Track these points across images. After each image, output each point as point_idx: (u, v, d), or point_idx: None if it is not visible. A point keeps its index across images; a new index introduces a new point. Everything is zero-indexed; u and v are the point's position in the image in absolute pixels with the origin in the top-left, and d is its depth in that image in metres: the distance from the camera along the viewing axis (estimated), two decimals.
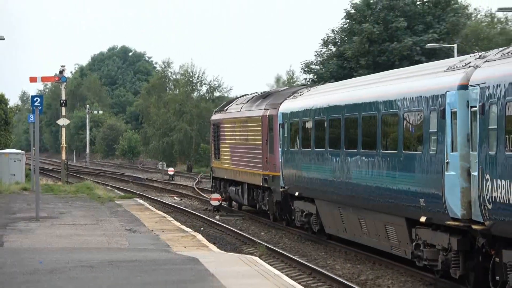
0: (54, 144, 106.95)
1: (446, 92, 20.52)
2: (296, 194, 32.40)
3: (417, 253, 22.94)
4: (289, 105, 33.85)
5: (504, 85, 19.76)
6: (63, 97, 64.82)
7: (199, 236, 35.12)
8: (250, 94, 48.42)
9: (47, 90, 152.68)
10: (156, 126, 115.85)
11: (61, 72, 57.85)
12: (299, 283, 24.61)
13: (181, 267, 25.09)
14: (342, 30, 74.26)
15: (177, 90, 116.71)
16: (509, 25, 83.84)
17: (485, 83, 19.89)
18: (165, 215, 45.65)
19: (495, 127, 18.44)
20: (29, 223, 38.63)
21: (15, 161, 61.34)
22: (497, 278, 19.77)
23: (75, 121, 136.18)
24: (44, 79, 55.81)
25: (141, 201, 54.99)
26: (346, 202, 28.43)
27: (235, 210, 52.27)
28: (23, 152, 65.32)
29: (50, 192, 57.64)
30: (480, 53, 23.08)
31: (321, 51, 76.84)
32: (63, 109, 66.40)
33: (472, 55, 23.62)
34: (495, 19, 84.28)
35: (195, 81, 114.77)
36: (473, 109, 19.76)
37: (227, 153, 45.61)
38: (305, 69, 79.14)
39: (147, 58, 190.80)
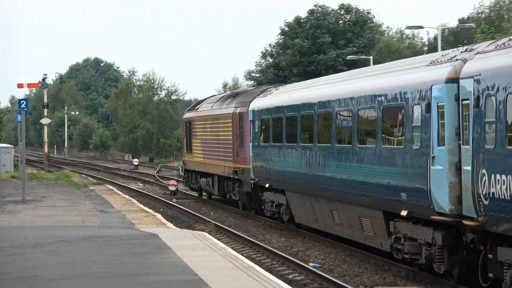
0: (38, 139, 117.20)
1: (431, 86, 19.57)
2: (266, 185, 31.76)
3: (396, 246, 22.14)
4: (259, 103, 33.33)
5: (505, 76, 18.08)
6: (45, 101, 70.97)
7: (158, 216, 37.71)
8: (220, 94, 50.38)
9: (32, 95, 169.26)
10: (123, 124, 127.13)
11: (43, 79, 68.59)
12: (242, 254, 26.17)
13: (143, 241, 26.81)
14: (278, 44, 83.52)
15: (141, 94, 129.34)
16: (415, 40, 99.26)
17: (480, 75, 18.36)
18: (130, 198, 49.10)
19: (493, 120, 17.05)
20: (16, 205, 41.15)
21: (5, 153, 66.07)
22: (490, 275, 18.69)
23: (55, 120, 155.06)
24: (29, 85, 62.61)
25: (110, 187, 59.59)
26: (319, 194, 27.47)
27: (189, 194, 55.57)
28: (12, 146, 72.43)
29: (34, 180, 61.19)
30: (466, 47, 22.01)
31: (260, 61, 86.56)
32: (45, 110, 71.91)
33: (456, 49, 22.48)
34: (404, 35, 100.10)
35: (155, 86, 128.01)
36: (465, 102, 18.79)
37: (199, 148, 45.66)
38: (247, 76, 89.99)
39: (115, 68, 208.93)
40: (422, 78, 20.34)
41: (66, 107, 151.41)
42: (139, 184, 67.77)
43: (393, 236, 21.27)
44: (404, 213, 20.69)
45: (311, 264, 27.53)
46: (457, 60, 19.89)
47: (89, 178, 73.35)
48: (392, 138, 22.14)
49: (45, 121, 70.96)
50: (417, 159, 20.05)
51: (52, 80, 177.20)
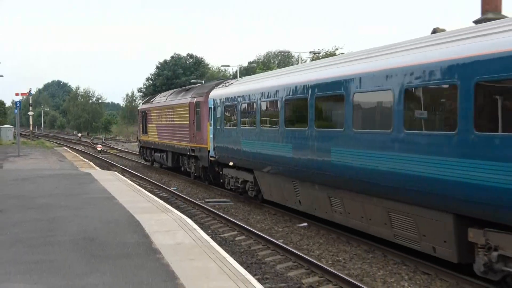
0: (26, 123, 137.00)
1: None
2: (231, 164, 26.78)
3: (482, 260, 12.86)
4: (221, 92, 28.68)
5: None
6: (30, 102, 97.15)
7: (91, 163, 44.04)
8: (170, 90, 47.91)
9: (22, 98, 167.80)
10: (72, 115, 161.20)
11: (29, 91, 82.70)
12: (135, 182, 31.69)
13: (82, 176, 31.50)
14: (155, 74, 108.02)
15: (82, 99, 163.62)
16: (227, 72, 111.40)
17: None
18: (76, 154, 57.24)
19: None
20: (14, 158, 48.16)
21: (9, 130, 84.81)
22: None
23: (36, 113, 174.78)
24: (22, 94, 69.55)
25: (66, 148, 69.65)
26: (305, 178, 20.12)
27: (110, 153, 64.49)
28: (13, 126, 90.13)
29: (24, 145, 69.23)
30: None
31: (146, 83, 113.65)
32: (30, 107, 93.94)
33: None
34: (221, 69, 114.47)
35: (90, 95, 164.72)
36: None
37: (154, 130, 43.78)
38: (138, 90, 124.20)
39: (66, 83, 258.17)
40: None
41: (42, 106, 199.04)
42: (81, 146, 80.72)
43: (480, 250, 12.55)
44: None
45: (172, 188, 31.96)
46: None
47: (54, 143, 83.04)
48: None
49: (30, 113, 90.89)
50: None
51: (34, 91, 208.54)
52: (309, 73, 19.92)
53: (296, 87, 20.38)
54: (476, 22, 38.82)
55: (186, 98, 35.43)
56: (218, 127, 28.26)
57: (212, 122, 29.49)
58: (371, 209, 16.63)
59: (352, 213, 17.74)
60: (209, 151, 30.46)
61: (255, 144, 23.86)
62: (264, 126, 23.10)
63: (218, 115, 28.31)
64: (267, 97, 22.89)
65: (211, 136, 29.53)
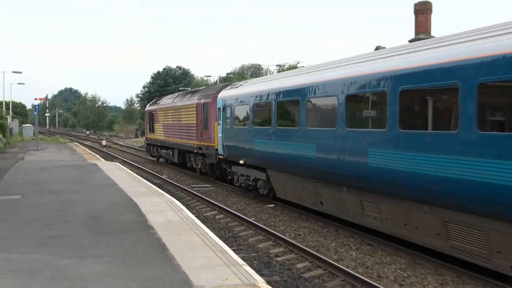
0: (43, 122, 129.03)
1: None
2: (241, 162, 22.69)
3: None
4: (231, 93, 24.26)
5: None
6: (47, 105, 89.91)
7: (97, 156, 42.81)
8: (175, 93, 43.45)
9: (40, 102, 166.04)
10: (82, 116, 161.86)
11: (46, 96, 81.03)
12: (133, 171, 31.12)
13: (90, 166, 31.01)
14: (150, 82, 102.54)
15: (90, 103, 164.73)
16: (209, 80, 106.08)
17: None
18: (85, 148, 56.40)
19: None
20: (33, 151, 46.71)
21: (30, 128, 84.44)
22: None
23: (52, 114, 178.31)
24: (40, 99, 69.27)
25: (77, 143, 68.15)
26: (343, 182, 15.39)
27: (113, 147, 63.35)
28: (32, 125, 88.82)
29: (42, 140, 67.32)
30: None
31: (143, 90, 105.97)
32: (47, 109, 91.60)
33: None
34: (204, 79, 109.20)
35: (96, 100, 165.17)
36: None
37: (160, 129, 39.61)
38: (136, 96, 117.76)
39: (77, 90, 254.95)
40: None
41: (57, 109, 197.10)
42: (89, 142, 78.98)
43: None
44: None
45: (164, 175, 31.42)
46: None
47: (67, 139, 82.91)
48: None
49: (47, 114, 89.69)
50: None
51: (50, 97, 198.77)
52: (340, 70, 15.37)
53: (324, 85, 15.91)
54: (411, 41, 39.19)
55: (193, 100, 31.78)
56: (228, 126, 24.33)
57: (221, 121, 25.56)
58: (419, 217, 12.64)
59: (391, 219, 13.66)
60: (216, 149, 26.75)
61: (269, 143, 19.69)
62: (281, 126, 18.89)
63: (228, 115, 24.39)
64: (285, 97, 18.60)
65: (220, 135, 25.65)
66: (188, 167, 35.10)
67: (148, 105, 45.79)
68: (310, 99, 17.04)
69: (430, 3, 44.10)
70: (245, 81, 25.74)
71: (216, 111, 27.14)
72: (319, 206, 17.44)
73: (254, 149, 21.30)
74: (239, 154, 23.27)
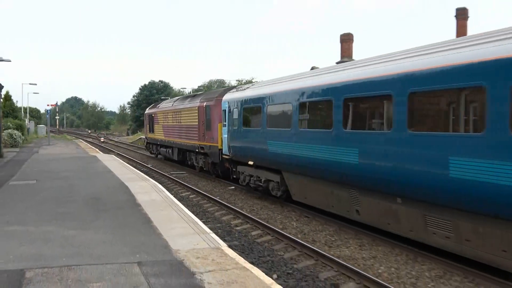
0: (54, 123, 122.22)
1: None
2: (250, 163, 17.84)
3: None
4: (239, 95, 19.28)
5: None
6: (57, 110, 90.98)
7: (97, 149, 41.70)
8: (173, 98, 39.76)
9: (51, 107, 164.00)
10: (85, 119, 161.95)
11: (56, 103, 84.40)
12: (125, 162, 30.19)
13: (91, 158, 30.13)
14: (139, 93, 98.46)
15: (91, 109, 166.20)
16: (185, 91, 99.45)
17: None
18: (87, 143, 54.40)
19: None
20: (46, 146, 45.73)
21: (43, 128, 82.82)
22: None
23: (61, 117, 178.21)
24: (52, 105, 70.40)
25: (81, 140, 64.91)
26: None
27: (109, 143, 61.66)
28: (45, 126, 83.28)
29: (52, 138, 63.98)
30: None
31: (132, 99, 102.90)
32: (57, 113, 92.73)
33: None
34: (180, 91, 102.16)
35: (96, 106, 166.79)
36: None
37: (160, 130, 34.75)
38: (127, 104, 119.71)
39: (80, 98, 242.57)
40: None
41: (64, 113, 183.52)
42: (91, 139, 75.31)
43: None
44: None
45: (150, 165, 30.61)
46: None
47: (73, 137, 79.72)
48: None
49: (57, 117, 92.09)
50: None
51: (60, 103, 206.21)
52: (390, 65, 10.63)
53: (372, 82, 10.95)
54: (337, 63, 39.85)
55: (194, 103, 27.19)
56: (235, 128, 19.38)
57: (226, 123, 20.81)
58: None
59: (476, 241, 8.88)
60: (220, 149, 22.31)
61: (288, 145, 14.72)
62: (304, 128, 13.93)
63: (235, 116, 19.47)
64: (310, 97, 13.53)
65: (225, 136, 20.95)
66: (188, 165, 29.98)
67: (147, 109, 41.64)
68: (350, 99, 11.85)
69: (352, 35, 45.17)
70: (251, 83, 20.98)
71: (219, 113, 22.96)
72: (353, 214, 12.43)
73: (268, 150, 16.19)
74: (248, 155, 18.28)
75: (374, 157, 10.89)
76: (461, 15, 44.78)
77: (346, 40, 44.98)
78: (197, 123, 26.35)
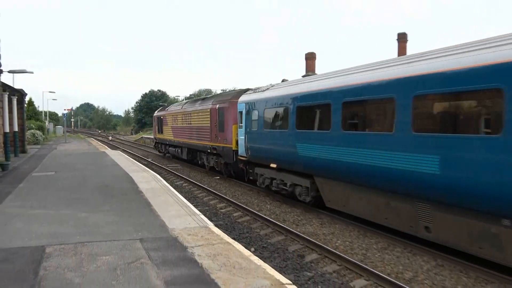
0: (70, 125, 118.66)
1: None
2: (273, 165, 14.26)
3: None
4: (258, 96, 15.38)
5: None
6: (72, 113, 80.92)
7: (106, 146, 39.80)
8: (182, 101, 36.32)
9: (67, 111, 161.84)
10: (96, 121, 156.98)
11: (71, 108, 78.00)
12: (129, 156, 29.36)
13: (101, 153, 28.91)
14: (141, 99, 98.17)
15: (101, 113, 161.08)
16: (180, 98, 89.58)
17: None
18: (97, 141, 51.92)
19: None
20: (63, 144, 43.73)
21: (60, 129, 78.29)
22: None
23: (75, 119, 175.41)
24: (67, 109, 67.59)
25: (92, 139, 61.77)
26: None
27: (116, 141, 59.81)
28: (62, 127, 78.55)
29: (69, 137, 62.17)
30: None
31: (135, 105, 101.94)
32: (72, 117, 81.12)
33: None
34: (176, 98, 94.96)
35: (105, 110, 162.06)
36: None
37: (169, 130, 30.81)
38: (131, 108, 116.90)
39: (91, 104, 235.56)
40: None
41: (78, 116, 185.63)
42: (101, 138, 72.17)
43: None
44: None
45: (150, 159, 29.82)
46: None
47: (85, 136, 77.96)
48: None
49: (72, 119, 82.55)
50: None
51: (74, 108, 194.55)
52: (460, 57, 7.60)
53: (449, 75, 7.55)
54: (304, 76, 40.09)
55: (206, 105, 23.36)
56: (254, 129, 15.64)
57: (243, 124, 16.92)
58: None
59: None
60: (234, 150, 18.71)
61: (325, 149, 11.09)
62: (348, 130, 10.33)
63: (254, 118, 15.67)
64: (357, 96, 9.94)
65: (241, 137, 17.18)
66: (198, 164, 26.25)
67: (156, 112, 37.51)
68: (422, 96, 8.23)
69: (315, 53, 45.68)
70: (271, 84, 16.38)
71: (232, 115, 19.25)
72: (421, 231, 8.79)
73: (297, 153, 12.62)
74: (269, 157, 14.63)
75: (464, 167, 7.28)
76: (402, 38, 45.51)
77: (310, 58, 45.36)
78: (208, 125, 22.74)
